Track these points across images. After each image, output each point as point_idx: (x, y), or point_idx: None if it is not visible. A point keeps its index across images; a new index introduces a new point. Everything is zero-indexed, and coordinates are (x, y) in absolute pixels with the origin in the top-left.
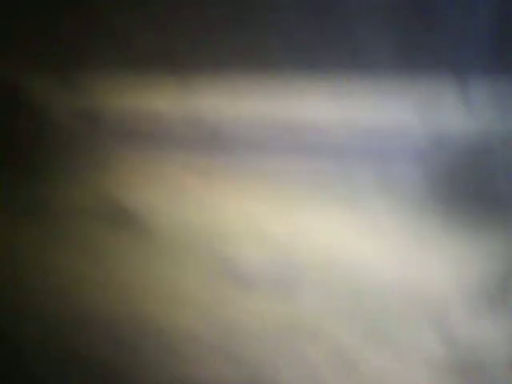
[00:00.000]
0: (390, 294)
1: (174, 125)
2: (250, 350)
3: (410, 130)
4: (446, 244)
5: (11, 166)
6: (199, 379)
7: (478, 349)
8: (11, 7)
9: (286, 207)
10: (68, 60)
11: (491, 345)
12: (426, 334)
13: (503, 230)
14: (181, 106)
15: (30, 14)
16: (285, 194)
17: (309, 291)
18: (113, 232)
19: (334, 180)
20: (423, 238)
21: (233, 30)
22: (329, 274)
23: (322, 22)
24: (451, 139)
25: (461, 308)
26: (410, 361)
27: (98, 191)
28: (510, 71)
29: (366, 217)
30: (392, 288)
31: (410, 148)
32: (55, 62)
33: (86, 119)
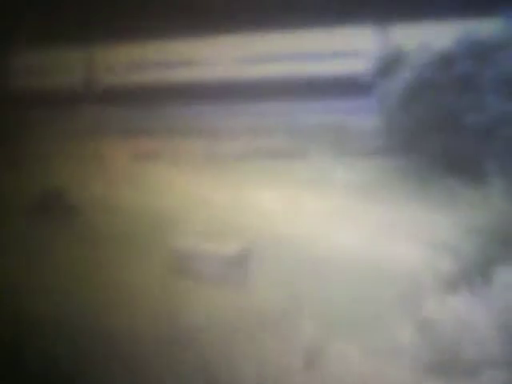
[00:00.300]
0: (360, 276)
1: (109, 106)
2: (212, 350)
3: (364, 81)
4: (416, 206)
5: None
6: (155, 380)
7: (459, 342)
8: None
9: (235, 188)
10: None
11: (473, 337)
12: (397, 324)
13: (477, 185)
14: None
15: None
16: (234, 175)
17: (272, 282)
18: (52, 226)
19: (293, 157)
20: (391, 203)
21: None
22: (292, 261)
23: None
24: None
25: (435, 290)
26: (380, 354)
27: (33, 183)
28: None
29: (322, 180)
30: (361, 269)
31: (364, 97)
32: None
33: (14, 107)
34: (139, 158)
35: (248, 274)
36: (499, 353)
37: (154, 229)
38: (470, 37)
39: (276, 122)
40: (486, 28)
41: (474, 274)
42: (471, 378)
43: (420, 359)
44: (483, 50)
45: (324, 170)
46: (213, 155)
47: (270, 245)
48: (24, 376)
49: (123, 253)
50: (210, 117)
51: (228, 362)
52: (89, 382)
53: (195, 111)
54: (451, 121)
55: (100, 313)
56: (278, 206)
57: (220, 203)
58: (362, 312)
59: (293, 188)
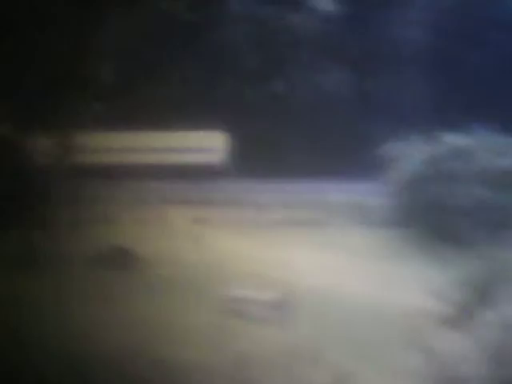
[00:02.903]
0: (376, 317)
1: (173, 178)
2: (257, 377)
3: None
4: (416, 264)
5: (23, 223)
6: None
7: (456, 362)
8: None
9: (273, 249)
10: (61, 123)
11: (464, 359)
12: (410, 352)
13: (460, 250)
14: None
15: None
16: (273, 238)
17: (306, 321)
18: (120, 277)
19: (320, 225)
20: (397, 261)
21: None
22: (321, 305)
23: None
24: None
25: (437, 324)
26: (399, 378)
27: (102, 240)
28: None
29: (341, 243)
30: (376, 311)
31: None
32: (53, 123)
33: (86, 175)
34: (196, 222)
35: (285, 315)
36: (484, 371)
37: (208, 278)
38: (452, 143)
39: (306, 199)
40: (462, 137)
41: (461, 314)
42: None
43: (426, 377)
44: (461, 153)
45: (343, 236)
46: (256, 222)
47: (301, 292)
48: None
49: (182, 297)
50: (255, 192)
51: None
52: None
53: (243, 187)
54: (439, 203)
55: (163, 348)
56: (307, 263)
57: (261, 260)
58: (378, 343)
59: (318, 249)
